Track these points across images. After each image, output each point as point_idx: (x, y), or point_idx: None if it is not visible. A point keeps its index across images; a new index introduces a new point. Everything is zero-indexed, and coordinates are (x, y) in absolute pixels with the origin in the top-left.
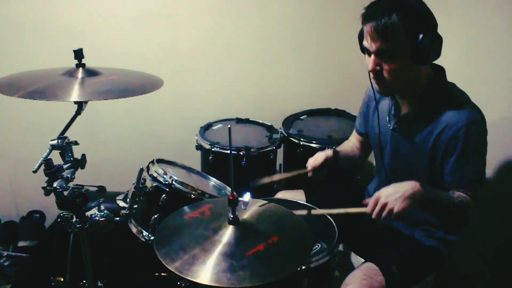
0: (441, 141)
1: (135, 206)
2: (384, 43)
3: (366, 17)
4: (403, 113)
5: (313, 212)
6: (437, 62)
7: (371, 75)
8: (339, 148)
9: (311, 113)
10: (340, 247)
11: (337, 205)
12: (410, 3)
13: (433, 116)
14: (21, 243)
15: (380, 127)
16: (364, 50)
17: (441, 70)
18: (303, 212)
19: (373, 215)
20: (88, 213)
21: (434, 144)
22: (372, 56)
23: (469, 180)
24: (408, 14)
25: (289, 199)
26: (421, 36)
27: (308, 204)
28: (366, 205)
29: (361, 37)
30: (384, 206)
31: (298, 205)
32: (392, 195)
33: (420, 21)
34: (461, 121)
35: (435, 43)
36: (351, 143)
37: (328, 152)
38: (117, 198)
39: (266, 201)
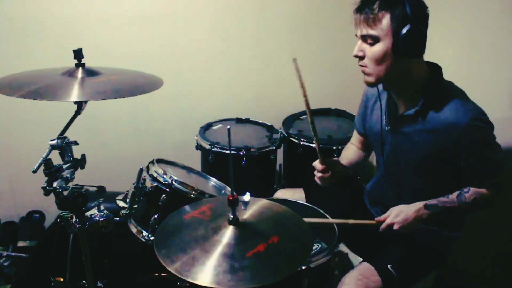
0: (445, 140)
1: (135, 206)
2: (366, 27)
3: (356, 7)
4: (401, 112)
5: (320, 220)
6: (437, 60)
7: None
8: (345, 161)
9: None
10: (340, 247)
11: (337, 204)
12: None
13: (432, 114)
14: (20, 243)
15: (379, 127)
16: None
17: (437, 69)
18: (317, 220)
19: (380, 229)
20: (88, 213)
21: (435, 143)
22: (359, 41)
23: (486, 172)
24: (395, 3)
25: (300, 203)
26: (404, 28)
27: (320, 211)
28: (373, 218)
29: None
30: (390, 225)
31: (308, 210)
32: (399, 216)
33: (406, 12)
34: (461, 119)
35: (417, 38)
36: (353, 147)
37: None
38: (117, 198)
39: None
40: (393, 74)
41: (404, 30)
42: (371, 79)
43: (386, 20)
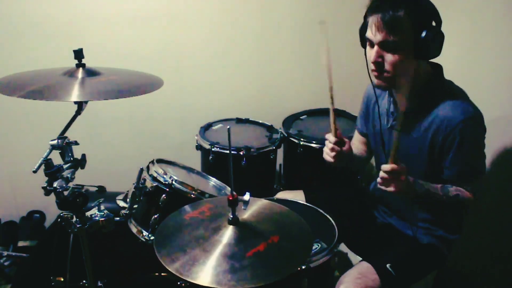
0: (438, 136)
1: (135, 206)
2: (389, 34)
3: (374, 8)
4: (401, 110)
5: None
6: (438, 59)
7: (372, 67)
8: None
9: (311, 113)
10: (340, 247)
11: (337, 206)
12: None
13: (431, 112)
14: (21, 243)
15: (379, 126)
16: (364, 43)
17: (438, 68)
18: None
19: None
20: (88, 213)
21: (431, 140)
22: (376, 47)
23: (466, 175)
24: (415, 8)
25: (300, 203)
26: (425, 31)
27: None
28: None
29: (363, 30)
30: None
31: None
32: (387, 175)
33: (425, 17)
34: (457, 116)
35: (437, 40)
36: (356, 146)
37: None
38: (117, 198)
39: None
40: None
41: (428, 34)
42: (387, 84)
43: (409, 25)
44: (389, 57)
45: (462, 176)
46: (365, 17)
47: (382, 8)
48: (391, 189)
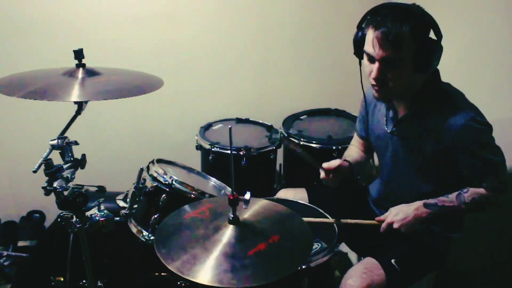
0: (444, 142)
1: (135, 206)
2: (393, 51)
3: (375, 22)
4: (400, 116)
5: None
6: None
7: (373, 82)
8: (349, 159)
9: (311, 113)
10: (340, 246)
11: (340, 204)
12: (419, 13)
13: (430, 116)
14: (21, 243)
15: (379, 131)
16: (360, 54)
17: (436, 71)
18: (316, 219)
19: (381, 229)
20: (88, 213)
21: (433, 145)
22: (377, 63)
23: (484, 173)
24: (417, 25)
25: (301, 202)
26: (426, 47)
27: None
28: (374, 218)
29: (359, 42)
30: (390, 224)
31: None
32: (398, 215)
33: (427, 32)
34: (459, 120)
35: (438, 55)
36: (355, 148)
37: (344, 162)
38: (117, 198)
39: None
40: (407, 87)
41: (427, 49)
42: (388, 97)
43: (411, 41)
44: (391, 73)
45: (479, 175)
46: (362, 28)
47: (386, 23)
48: (404, 230)
